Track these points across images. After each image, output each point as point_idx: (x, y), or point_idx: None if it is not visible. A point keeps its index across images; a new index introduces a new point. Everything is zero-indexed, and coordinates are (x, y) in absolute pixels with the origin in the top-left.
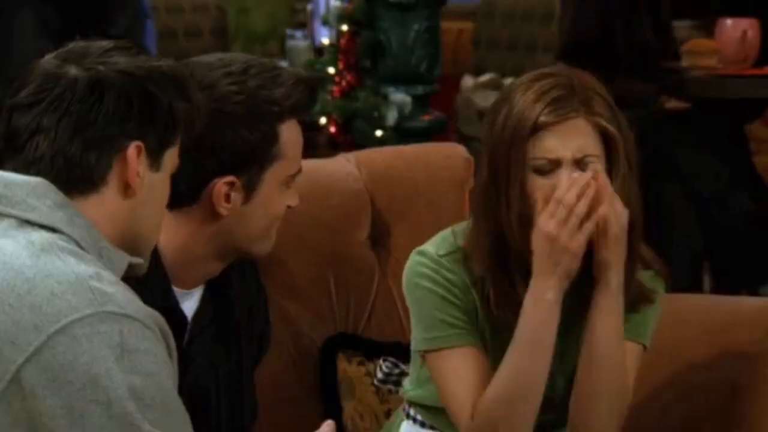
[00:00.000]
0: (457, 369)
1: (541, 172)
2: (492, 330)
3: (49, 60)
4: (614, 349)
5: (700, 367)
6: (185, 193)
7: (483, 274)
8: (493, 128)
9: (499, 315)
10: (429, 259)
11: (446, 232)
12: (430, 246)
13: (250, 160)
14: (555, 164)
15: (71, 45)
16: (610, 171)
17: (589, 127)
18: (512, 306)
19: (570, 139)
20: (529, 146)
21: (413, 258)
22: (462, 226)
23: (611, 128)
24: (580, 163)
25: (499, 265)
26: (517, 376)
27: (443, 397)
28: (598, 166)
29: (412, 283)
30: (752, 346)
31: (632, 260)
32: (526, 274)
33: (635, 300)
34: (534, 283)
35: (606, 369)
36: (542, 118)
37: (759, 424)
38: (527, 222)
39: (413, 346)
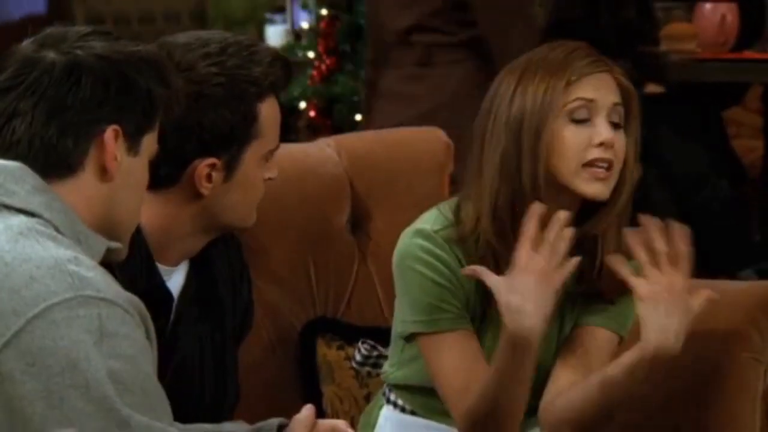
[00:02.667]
0: (450, 354)
1: (578, 120)
2: (482, 314)
3: (26, 45)
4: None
5: (679, 351)
6: (166, 176)
7: (491, 240)
8: (513, 94)
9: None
10: (423, 237)
11: (433, 211)
12: (422, 224)
13: (231, 140)
14: (592, 107)
15: (49, 30)
16: (626, 129)
17: (616, 85)
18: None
19: (604, 87)
20: (563, 95)
21: (407, 239)
22: (449, 204)
23: (629, 85)
24: (612, 114)
25: (507, 236)
26: (501, 390)
27: (436, 382)
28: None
29: (404, 265)
30: (731, 330)
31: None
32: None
33: (618, 287)
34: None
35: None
36: (577, 69)
37: (740, 408)
38: (552, 178)
39: (400, 328)
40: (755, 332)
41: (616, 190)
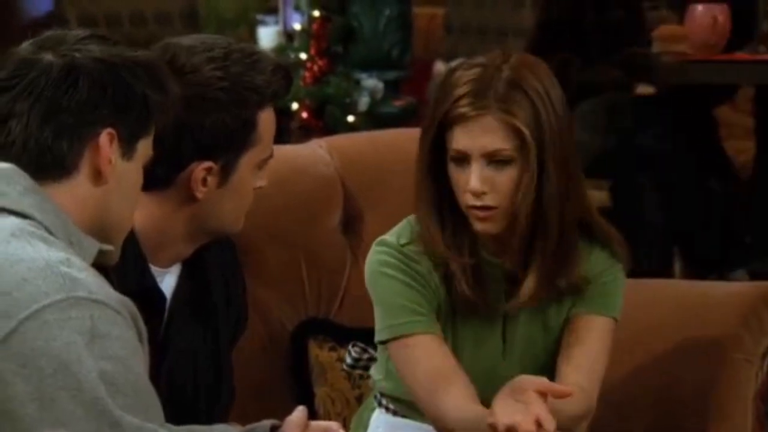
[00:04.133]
0: (426, 356)
1: (456, 161)
2: (453, 323)
3: (25, 47)
4: None
5: (671, 353)
6: (162, 177)
7: (444, 256)
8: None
9: (465, 296)
10: (391, 248)
11: (404, 222)
12: (390, 236)
13: (229, 146)
14: (465, 157)
15: (48, 33)
16: (523, 170)
17: (499, 125)
18: (478, 282)
19: (479, 135)
20: (448, 135)
21: (375, 249)
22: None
23: (523, 129)
24: (491, 157)
25: (452, 244)
26: None
27: (410, 386)
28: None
29: (376, 273)
30: (723, 332)
31: (566, 253)
32: (474, 249)
33: (567, 290)
34: None
35: None
36: (455, 111)
37: (731, 410)
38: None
39: (377, 338)
40: (747, 333)
41: (515, 223)
